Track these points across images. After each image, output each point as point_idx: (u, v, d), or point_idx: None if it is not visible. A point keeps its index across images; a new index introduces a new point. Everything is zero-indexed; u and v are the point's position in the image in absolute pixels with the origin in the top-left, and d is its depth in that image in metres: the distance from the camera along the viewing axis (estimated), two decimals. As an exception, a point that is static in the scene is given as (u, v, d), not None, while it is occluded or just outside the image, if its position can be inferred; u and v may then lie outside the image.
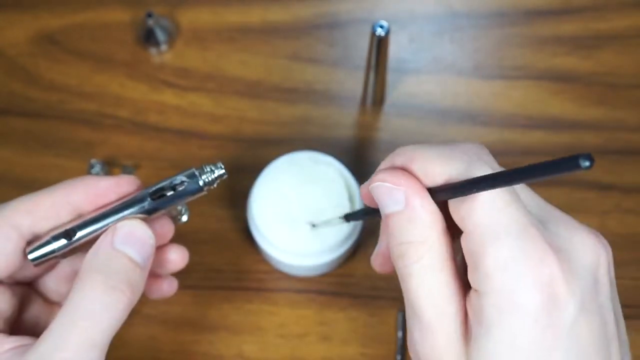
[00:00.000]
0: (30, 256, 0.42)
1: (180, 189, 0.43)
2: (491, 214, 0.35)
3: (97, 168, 0.64)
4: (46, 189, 0.44)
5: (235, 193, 0.64)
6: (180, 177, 0.43)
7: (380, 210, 0.39)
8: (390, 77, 0.66)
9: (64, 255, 0.43)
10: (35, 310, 0.47)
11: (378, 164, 0.65)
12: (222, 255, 0.62)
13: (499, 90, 0.68)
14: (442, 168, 0.37)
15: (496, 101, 0.68)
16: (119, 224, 0.42)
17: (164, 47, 0.69)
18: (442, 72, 0.69)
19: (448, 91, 0.68)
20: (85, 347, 0.39)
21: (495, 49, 0.70)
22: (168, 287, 0.50)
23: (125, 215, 0.43)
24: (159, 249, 0.47)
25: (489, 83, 0.68)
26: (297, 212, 0.58)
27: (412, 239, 0.37)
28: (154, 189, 0.44)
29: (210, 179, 0.43)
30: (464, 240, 0.36)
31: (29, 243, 0.43)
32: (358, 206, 0.59)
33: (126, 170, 0.64)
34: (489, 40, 0.70)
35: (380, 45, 0.59)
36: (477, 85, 0.68)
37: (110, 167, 0.65)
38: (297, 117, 0.67)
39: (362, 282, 0.61)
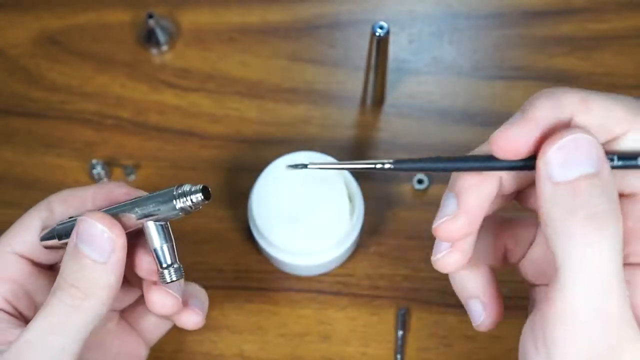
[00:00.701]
0: (41, 239, 0.44)
1: (158, 197, 0.40)
2: None
3: (98, 168, 0.64)
4: (88, 185, 0.46)
5: (236, 193, 0.64)
6: (161, 194, 0.41)
7: (557, 171, 0.32)
8: (390, 77, 0.67)
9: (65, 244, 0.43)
10: None
11: (378, 164, 0.66)
12: (222, 255, 0.62)
13: (499, 90, 0.68)
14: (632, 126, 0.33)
15: (496, 101, 0.68)
16: (79, 219, 0.41)
17: (164, 47, 0.69)
18: (441, 72, 0.69)
19: (448, 91, 0.68)
20: (54, 356, 0.39)
21: (494, 49, 0.70)
22: (187, 319, 0.46)
23: (101, 210, 0.42)
24: (147, 287, 0.44)
25: (488, 83, 0.69)
26: (297, 212, 0.58)
27: (609, 207, 0.32)
28: (138, 200, 0.42)
29: (187, 204, 0.40)
30: (637, 204, 0.34)
31: (45, 227, 0.44)
32: (358, 207, 0.59)
33: (127, 170, 0.65)
34: (489, 41, 0.70)
35: (380, 46, 0.60)
36: (476, 85, 0.68)
37: (111, 167, 0.65)
38: (297, 117, 0.67)
39: (362, 281, 0.62)
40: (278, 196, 0.59)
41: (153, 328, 0.50)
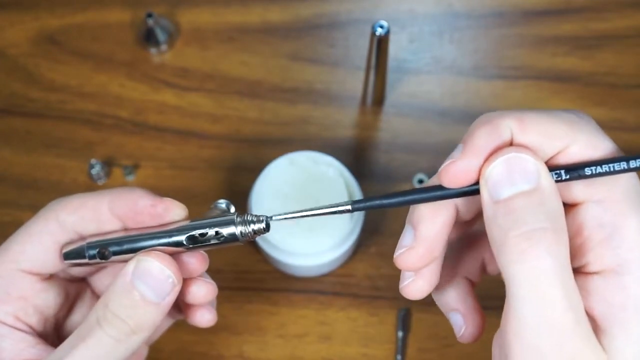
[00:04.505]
0: (65, 257, 0.42)
1: (217, 236, 0.41)
2: (635, 182, 0.33)
3: (97, 168, 0.64)
4: (98, 191, 0.43)
5: (235, 193, 0.64)
6: (220, 223, 0.41)
7: (494, 191, 0.33)
8: (390, 77, 0.66)
9: (96, 264, 0.42)
10: (86, 308, 0.46)
11: (378, 164, 0.66)
12: (222, 255, 0.62)
13: (499, 90, 0.68)
14: (573, 140, 0.33)
15: (496, 101, 0.68)
16: (141, 257, 0.40)
17: (164, 47, 0.69)
18: (441, 72, 0.69)
19: (448, 91, 0.68)
20: None
21: (494, 49, 0.70)
22: (201, 317, 0.46)
23: (155, 246, 0.41)
24: (187, 280, 0.44)
25: (488, 83, 0.68)
26: (297, 212, 0.58)
27: (546, 224, 0.32)
28: (192, 230, 0.42)
29: (248, 230, 0.41)
30: (586, 213, 0.33)
31: (67, 243, 0.42)
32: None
33: (126, 170, 0.64)
34: (489, 40, 0.70)
35: (380, 45, 0.59)
36: (476, 85, 0.68)
37: (110, 167, 0.65)
38: (297, 117, 0.67)
39: (362, 282, 0.61)
40: (278, 196, 0.59)
41: None
